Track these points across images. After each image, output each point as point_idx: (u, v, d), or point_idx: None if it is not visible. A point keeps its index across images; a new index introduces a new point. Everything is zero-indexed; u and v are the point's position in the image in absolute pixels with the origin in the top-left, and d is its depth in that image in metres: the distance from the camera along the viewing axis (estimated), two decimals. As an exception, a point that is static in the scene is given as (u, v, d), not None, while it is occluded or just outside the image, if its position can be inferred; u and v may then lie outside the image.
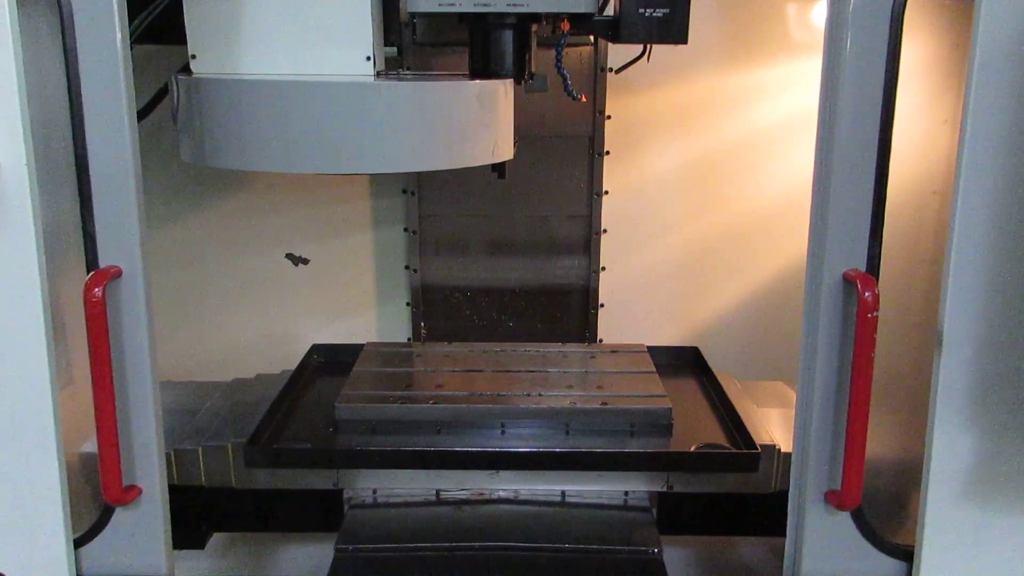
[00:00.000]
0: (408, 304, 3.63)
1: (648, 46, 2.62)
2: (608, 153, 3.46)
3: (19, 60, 1.97)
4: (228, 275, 3.64)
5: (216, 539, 3.04)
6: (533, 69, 2.71)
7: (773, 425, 2.77)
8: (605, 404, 2.76)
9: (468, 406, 2.73)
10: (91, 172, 2.09)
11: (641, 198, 3.56)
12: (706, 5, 3.29)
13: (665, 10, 2.44)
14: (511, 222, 3.55)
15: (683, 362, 3.33)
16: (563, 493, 2.77)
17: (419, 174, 3.43)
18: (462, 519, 2.73)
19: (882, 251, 2.17)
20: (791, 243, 3.47)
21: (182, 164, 2.46)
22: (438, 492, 2.77)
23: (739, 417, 2.73)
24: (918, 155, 2.25)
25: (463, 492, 2.78)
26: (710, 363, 3.26)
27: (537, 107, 3.17)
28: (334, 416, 2.71)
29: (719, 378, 3.06)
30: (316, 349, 3.33)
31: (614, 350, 3.26)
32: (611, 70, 3.33)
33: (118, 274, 2.13)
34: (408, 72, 2.49)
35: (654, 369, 3.04)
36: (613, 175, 3.49)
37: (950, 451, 2.16)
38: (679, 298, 3.67)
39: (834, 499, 2.22)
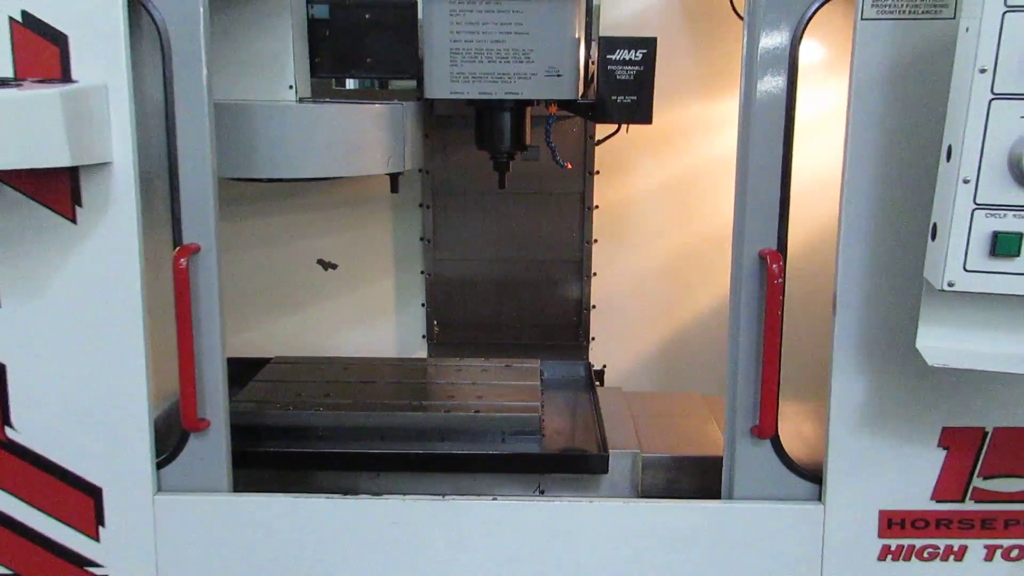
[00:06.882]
0: (423, 305, 3.76)
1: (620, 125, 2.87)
2: (598, 173, 3.57)
3: (130, 84, 2.29)
4: (260, 279, 3.75)
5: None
6: (528, 141, 3.01)
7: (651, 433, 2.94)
8: (478, 412, 2.83)
9: (348, 413, 2.85)
10: (179, 168, 2.36)
11: (628, 212, 3.68)
12: (684, 44, 3.48)
13: (633, 97, 2.71)
14: (513, 233, 3.68)
15: (577, 377, 3.46)
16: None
17: (432, 191, 3.61)
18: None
19: (792, 234, 2.37)
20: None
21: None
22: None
23: (604, 425, 2.86)
24: (832, 153, 2.40)
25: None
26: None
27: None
28: None
29: (601, 392, 3.22)
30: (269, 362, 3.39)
31: (507, 365, 3.34)
32: (592, 137, 3.53)
33: (197, 249, 2.38)
34: (340, 101, 2.84)
35: (539, 383, 3.12)
36: (603, 192, 3.62)
37: (847, 392, 2.39)
38: (662, 299, 3.76)
39: (756, 431, 2.45)
